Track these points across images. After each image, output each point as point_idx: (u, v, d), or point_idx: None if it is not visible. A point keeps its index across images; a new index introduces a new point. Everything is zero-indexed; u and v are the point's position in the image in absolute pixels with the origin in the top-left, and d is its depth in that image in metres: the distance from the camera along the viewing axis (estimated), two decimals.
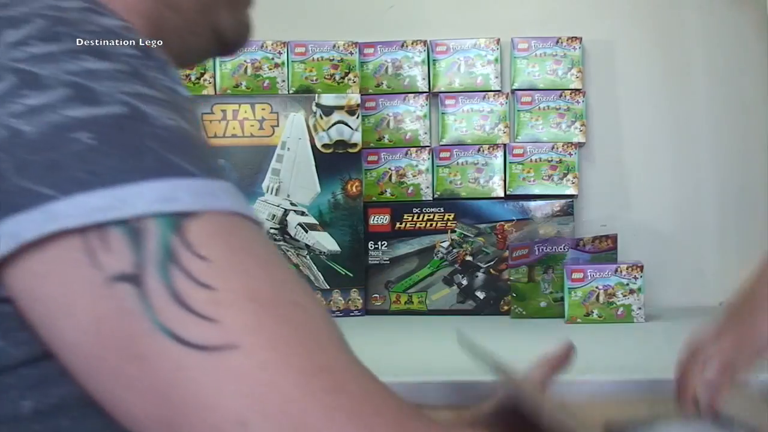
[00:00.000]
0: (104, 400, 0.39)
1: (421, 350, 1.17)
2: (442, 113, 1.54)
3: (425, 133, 1.54)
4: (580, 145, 1.51)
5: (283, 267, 0.42)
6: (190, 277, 0.38)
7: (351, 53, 1.53)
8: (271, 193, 1.42)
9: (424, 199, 1.51)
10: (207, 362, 0.37)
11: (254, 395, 0.36)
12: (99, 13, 0.44)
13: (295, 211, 1.42)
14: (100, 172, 0.38)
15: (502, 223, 1.45)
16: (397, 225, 1.47)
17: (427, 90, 1.54)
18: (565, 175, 1.49)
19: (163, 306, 0.37)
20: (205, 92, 1.50)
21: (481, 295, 1.45)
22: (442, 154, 1.51)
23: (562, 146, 1.49)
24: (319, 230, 1.43)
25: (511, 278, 1.39)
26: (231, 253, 0.39)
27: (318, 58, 1.53)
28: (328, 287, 1.43)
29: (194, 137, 0.42)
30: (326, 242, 1.43)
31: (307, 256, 1.43)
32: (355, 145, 1.44)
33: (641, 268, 1.30)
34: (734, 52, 1.55)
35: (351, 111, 1.44)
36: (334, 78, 1.52)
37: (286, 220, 1.42)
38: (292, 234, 1.42)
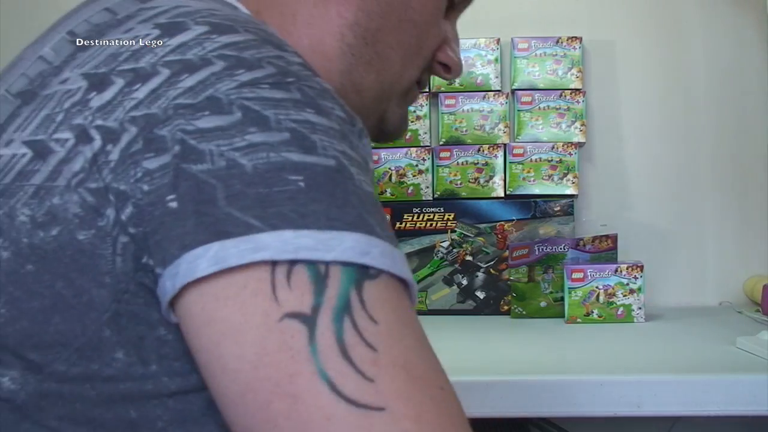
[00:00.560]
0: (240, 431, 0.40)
1: None
2: (442, 113, 1.54)
3: (425, 132, 1.54)
4: (580, 145, 1.51)
5: (432, 349, 0.44)
6: (359, 334, 0.39)
7: None
8: None
9: (424, 199, 1.51)
10: (355, 418, 0.38)
11: None
12: (315, 74, 0.47)
13: None
14: (307, 214, 0.40)
15: (502, 223, 1.45)
16: (397, 225, 1.46)
17: (427, 90, 1.54)
18: (565, 175, 1.49)
19: (328, 353, 0.38)
20: None
21: (481, 295, 1.45)
22: (442, 154, 1.51)
23: (562, 146, 1.49)
24: None
25: (511, 278, 1.38)
26: (396, 321, 0.41)
27: None
28: None
29: (380, 206, 0.45)
30: None
31: None
32: None
33: (641, 268, 1.30)
34: (734, 52, 1.55)
35: None
36: None
37: None
38: None
